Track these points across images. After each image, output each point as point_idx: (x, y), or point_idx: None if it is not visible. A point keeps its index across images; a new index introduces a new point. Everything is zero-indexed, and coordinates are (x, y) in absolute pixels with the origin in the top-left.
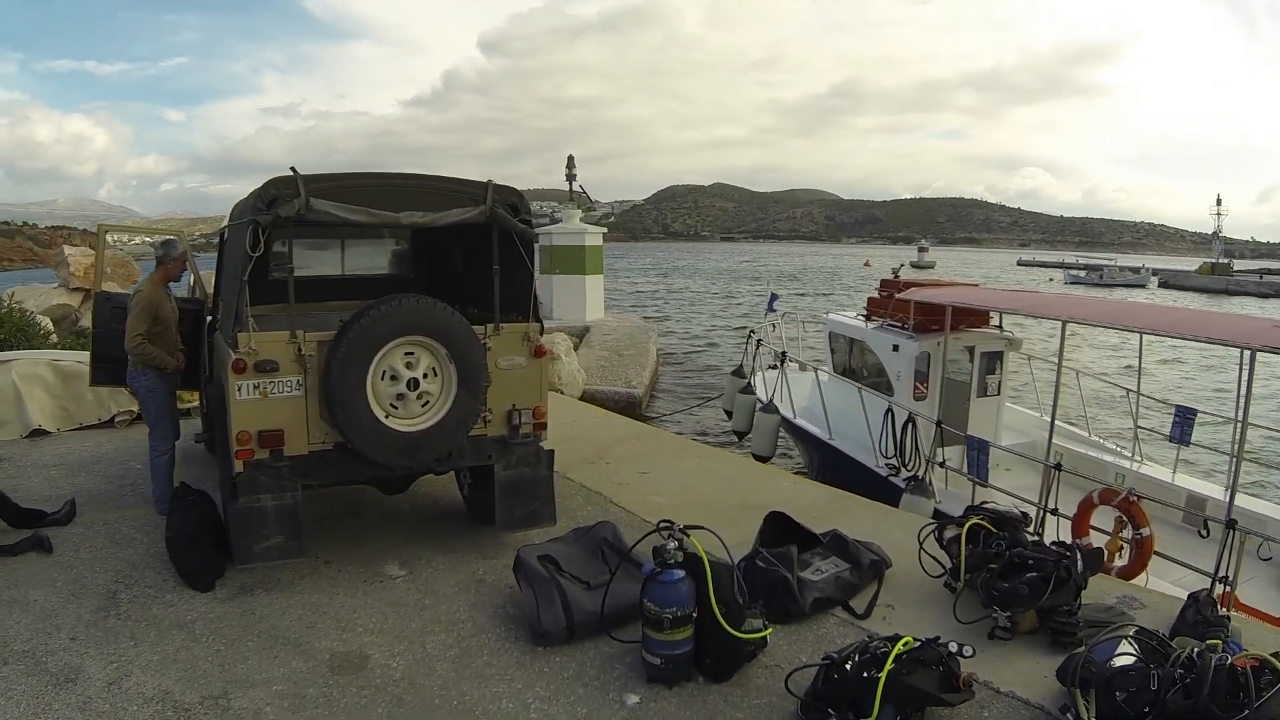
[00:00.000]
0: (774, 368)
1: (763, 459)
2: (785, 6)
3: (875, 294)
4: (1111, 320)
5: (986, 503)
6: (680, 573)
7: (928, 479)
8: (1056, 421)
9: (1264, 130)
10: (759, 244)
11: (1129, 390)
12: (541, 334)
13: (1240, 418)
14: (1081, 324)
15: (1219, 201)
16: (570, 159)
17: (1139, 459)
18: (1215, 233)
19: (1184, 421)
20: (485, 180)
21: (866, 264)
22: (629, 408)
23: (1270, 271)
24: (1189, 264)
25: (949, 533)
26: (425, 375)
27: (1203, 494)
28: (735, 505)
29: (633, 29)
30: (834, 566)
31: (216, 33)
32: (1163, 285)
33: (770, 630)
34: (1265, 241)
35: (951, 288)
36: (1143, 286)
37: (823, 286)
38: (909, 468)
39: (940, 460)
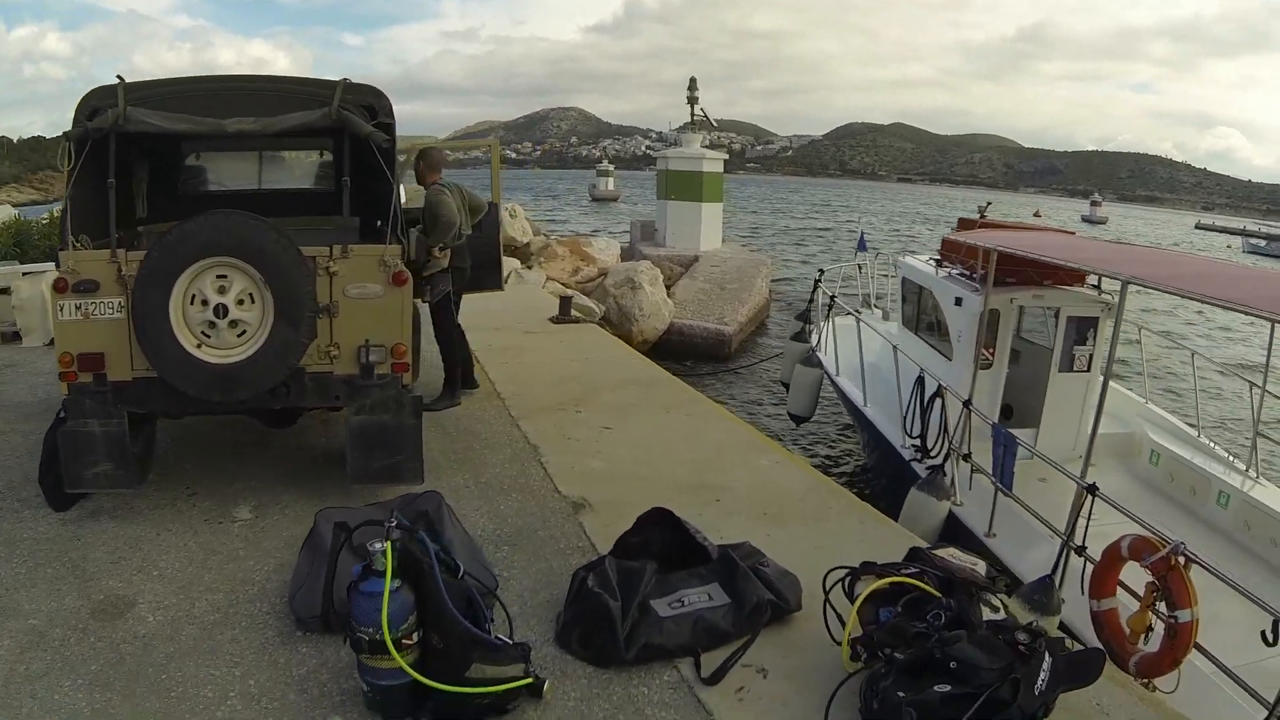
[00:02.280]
0: (853, 315)
1: (799, 419)
2: None
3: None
4: (1181, 284)
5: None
6: (392, 583)
7: (949, 473)
8: (1160, 412)
9: None
10: (935, 187)
11: (1252, 383)
12: (405, 257)
13: None
14: (1143, 286)
15: None
16: (692, 81)
17: (1255, 475)
18: None
19: None
20: (339, 79)
21: (1036, 215)
22: (717, 345)
23: None
24: None
25: (861, 586)
26: (241, 302)
27: None
28: (682, 485)
29: None
30: (704, 600)
31: None
32: None
33: (528, 681)
34: None
35: (1030, 232)
36: None
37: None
38: (934, 454)
39: (965, 451)
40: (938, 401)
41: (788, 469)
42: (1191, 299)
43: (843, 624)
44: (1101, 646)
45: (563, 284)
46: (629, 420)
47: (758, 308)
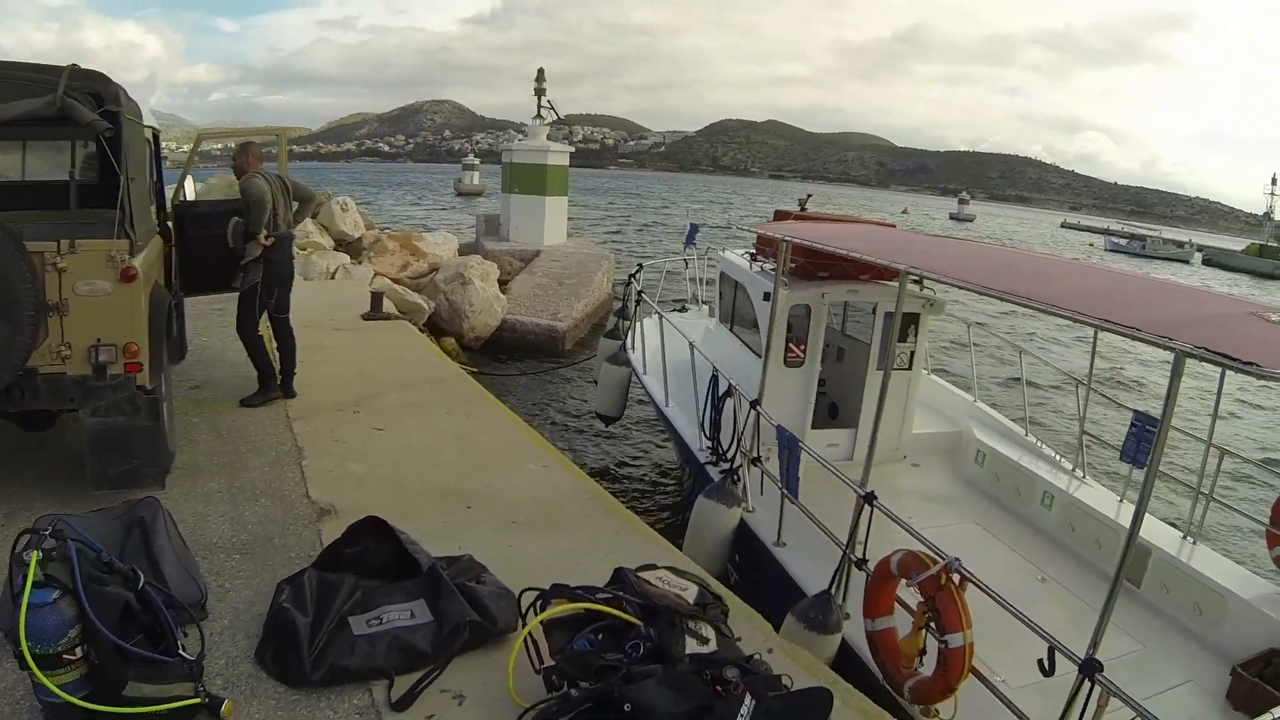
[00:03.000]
0: (679, 312)
1: (607, 419)
2: None
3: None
4: (968, 277)
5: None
6: (50, 594)
7: (742, 478)
8: (987, 409)
9: None
10: (807, 184)
11: (1079, 382)
12: (133, 252)
13: (1157, 435)
14: (923, 276)
15: (1275, 181)
16: (540, 72)
17: (1081, 475)
18: (1266, 214)
19: (1142, 434)
20: (65, 65)
21: (904, 211)
22: (550, 342)
23: None
24: (1239, 244)
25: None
26: None
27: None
28: (437, 490)
29: None
30: (405, 618)
31: None
32: (1206, 262)
33: (197, 700)
34: None
35: (843, 224)
36: (1185, 262)
37: None
38: (729, 458)
39: (755, 455)
40: (729, 402)
41: (555, 474)
42: (973, 290)
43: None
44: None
45: (392, 279)
46: (405, 422)
47: (597, 304)
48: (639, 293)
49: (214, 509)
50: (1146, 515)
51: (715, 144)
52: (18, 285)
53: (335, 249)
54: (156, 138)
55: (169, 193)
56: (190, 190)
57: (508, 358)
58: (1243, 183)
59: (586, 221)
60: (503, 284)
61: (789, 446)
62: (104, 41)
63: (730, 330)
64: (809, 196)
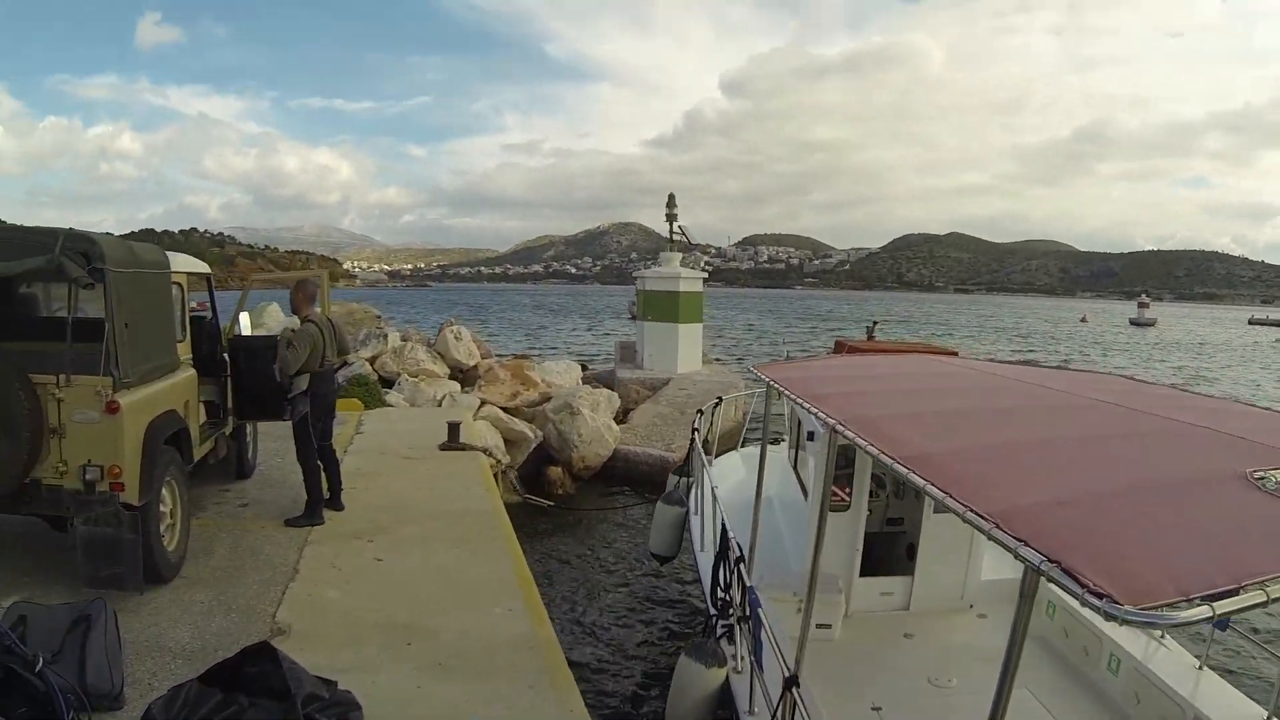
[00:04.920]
0: (773, 444)
1: (661, 558)
2: (1031, 44)
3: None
4: (887, 433)
5: None
6: None
7: (720, 638)
8: None
9: None
10: (991, 295)
11: None
12: (117, 389)
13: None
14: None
15: None
16: (671, 197)
17: (1161, 635)
18: None
19: None
20: (61, 229)
21: (1083, 320)
22: (662, 473)
23: None
24: None
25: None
26: None
27: None
28: (390, 623)
29: (877, 70)
30: None
31: (458, 74)
32: None
33: None
34: None
35: (892, 355)
36: None
37: (1014, 345)
38: (731, 615)
39: (744, 613)
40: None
41: (515, 619)
42: (870, 452)
43: None
44: None
45: (500, 408)
46: (408, 553)
47: (724, 432)
48: (694, 430)
49: (186, 617)
50: (1226, 684)
51: (899, 260)
52: (16, 409)
53: (451, 377)
54: (209, 279)
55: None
56: (246, 325)
57: (620, 488)
58: None
59: (751, 343)
60: (628, 413)
61: (752, 605)
62: (300, 165)
63: (794, 468)
64: (875, 324)
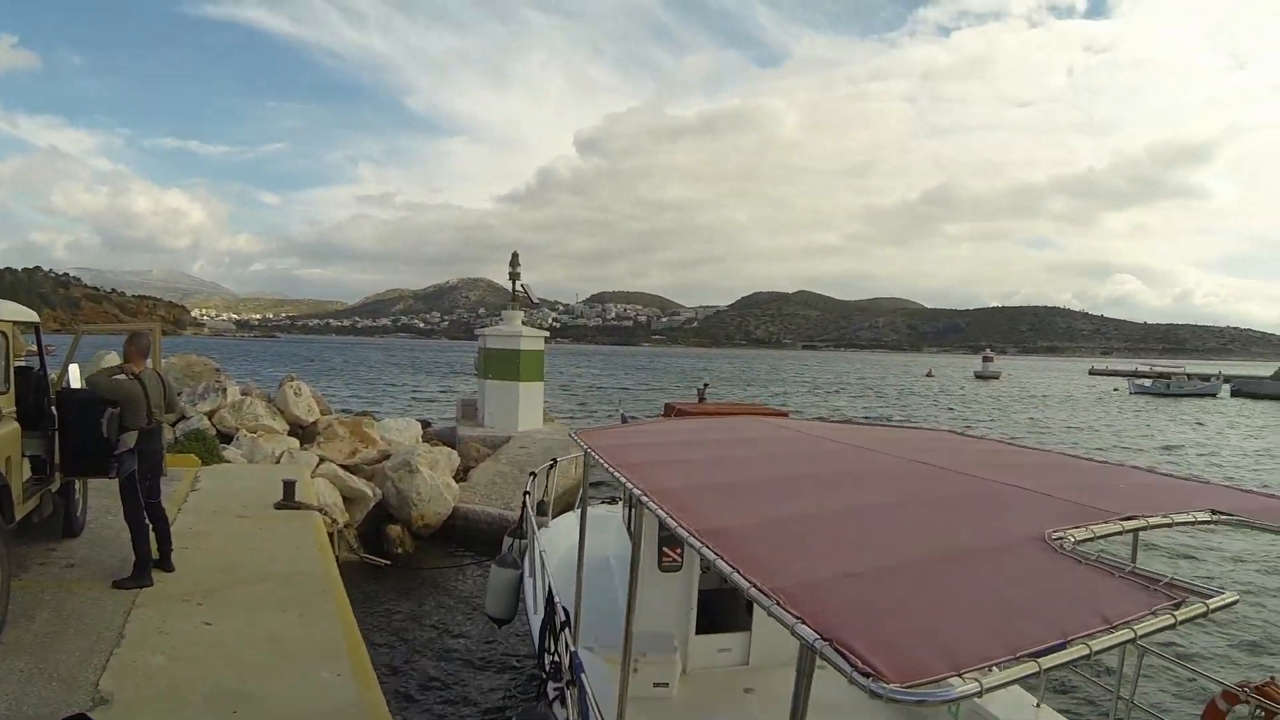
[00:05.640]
0: (609, 503)
1: (498, 621)
2: (884, 110)
3: None
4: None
5: None
6: None
7: (552, 702)
8: None
9: None
10: (839, 352)
11: None
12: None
13: None
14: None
15: None
16: (514, 256)
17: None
18: None
19: None
20: None
21: (929, 374)
22: (502, 532)
23: None
24: (1271, 369)
25: None
26: None
27: None
28: (216, 691)
29: (731, 131)
30: None
31: (317, 122)
32: (1235, 393)
33: None
34: None
35: (720, 418)
36: (1214, 395)
37: (861, 401)
38: (561, 681)
39: (570, 678)
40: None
41: (342, 685)
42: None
43: None
44: None
45: (340, 465)
46: (237, 617)
47: (563, 491)
48: (525, 494)
49: (3, 687)
50: None
51: (747, 317)
52: None
53: (290, 433)
54: (37, 327)
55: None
56: (75, 378)
57: (460, 547)
58: (1276, 307)
59: (594, 402)
60: (468, 470)
61: (577, 673)
62: (151, 206)
63: (628, 528)
64: (706, 385)
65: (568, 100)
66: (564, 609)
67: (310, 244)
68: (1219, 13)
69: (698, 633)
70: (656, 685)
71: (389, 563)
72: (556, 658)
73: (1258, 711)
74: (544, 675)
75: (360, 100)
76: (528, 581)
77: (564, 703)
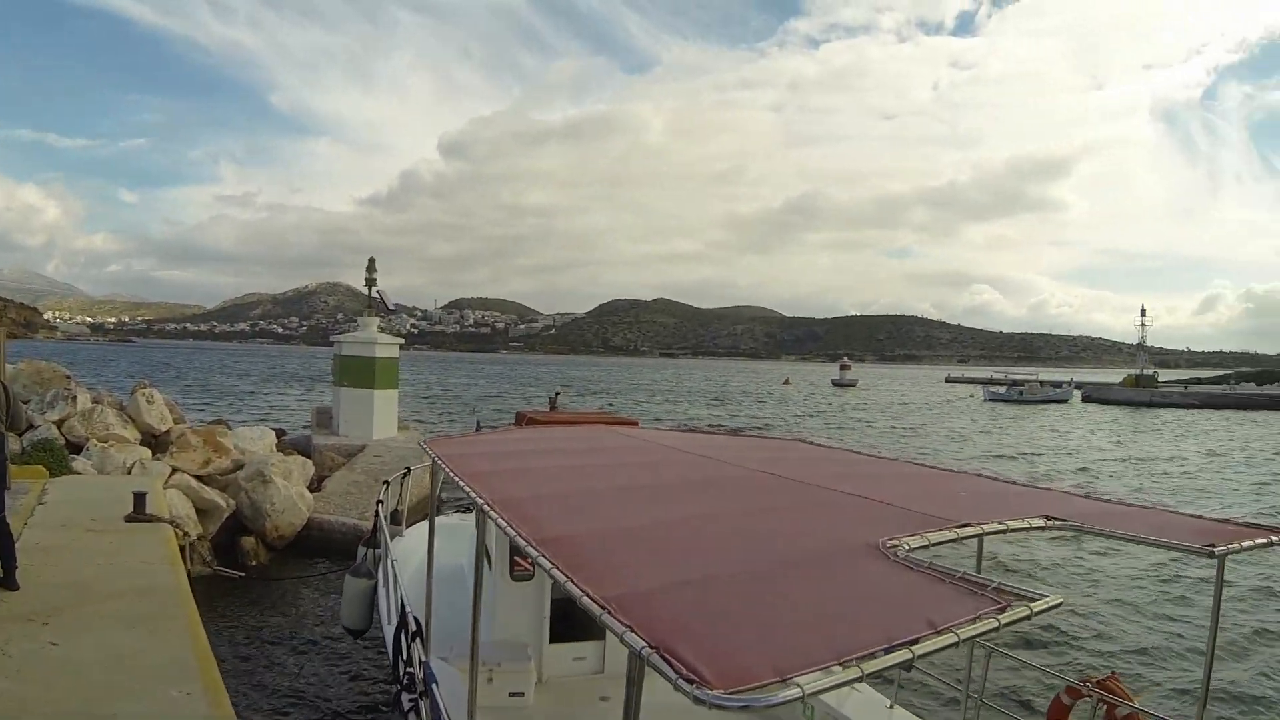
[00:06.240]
0: (465, 512)
1: (354, 632)
2: (751, 119)
3: None
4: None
5: None
6: None
7: (407, 713)
8: None
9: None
10: (697, 359)
11: None
12: None
13: None
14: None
15: (1143, 313)
16: (371, 261)
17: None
18: (1140, 344)
19: None
20: None
21: (786, 382)
22: (356, 542)
23: (1196, 381)
24: (1120, 376)
25: None
26: None
27: None
28: (61, 714)
29: (597, 138)
30: None
31: (179, 117)
32: (1086, 399)
33: None
34: (1200, 351)
35: (571, 426)
36: (1065, 401)
37: (720, 409)
38: (415, 693)
39: (424, 689)
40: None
41: (193, 704)
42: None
43: None
44: None
45: (193, 476)
46: (84, 636)
47: (418, 500)
48: (378, 503)
49: None
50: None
51: (605, 325)
52: None
53: (143, 442)
54: None
55: None
56: None
57: (316, 558)
58: (1125, 316)
59: (451, 409)
60: (323, 480)
61: (428, 683)
62: (4, 202)
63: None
64: (557, 394)
65: (433, 102)
66: (415, 619)
67: (169, 245)
68: (1081, 34)
69: (552, 641)
70: (512, 695)
71: (243, 575)
72: (412, 669)
73: (1099, 705)
74: (399, 687)
75: (224, 96)
76: (382, 591)
77: (419, 714)
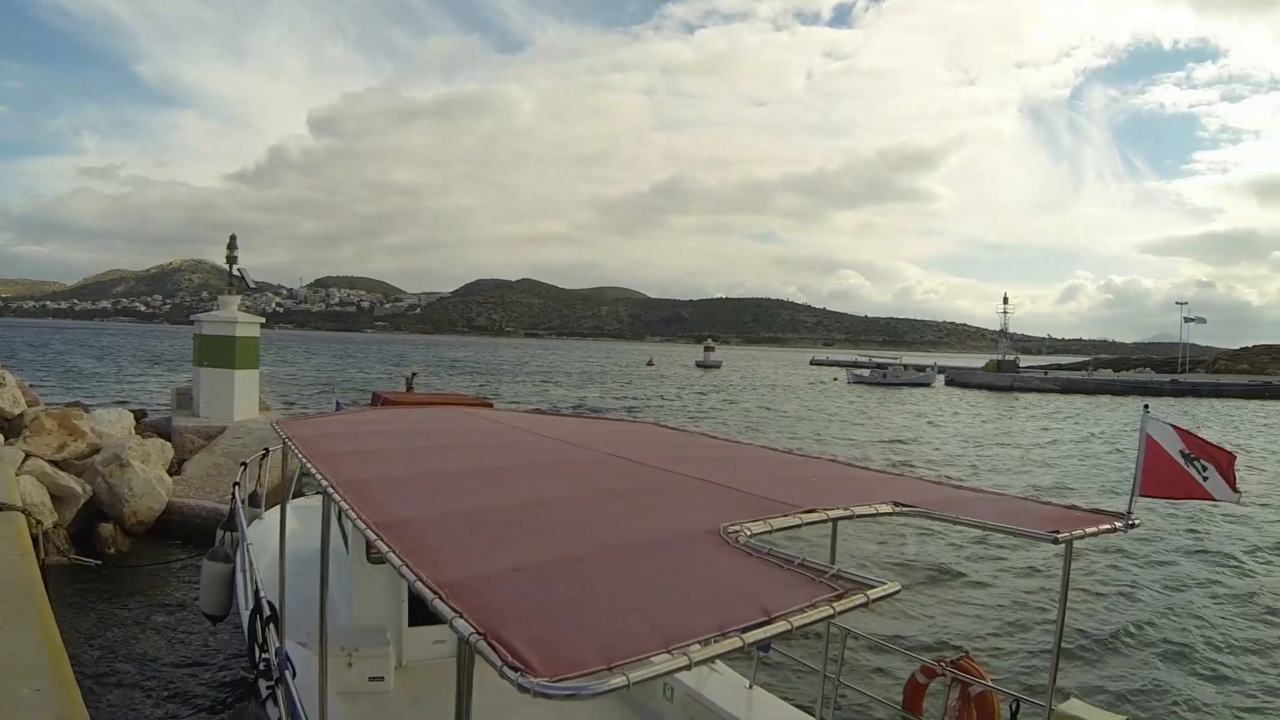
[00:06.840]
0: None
1: (213, 618)
2: (623, 102)
3: None
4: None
5: None
6: None
7: (264, 700)
8: None
9: (1069, 233)
10: (561, 340)
11: None
12: None
13: None
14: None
15: (1005, 300)
16: (232, 239)
17: (715, 660)
18: (1002, 331)
19: None
20: None
21: (650, 363)
22: (217, 525)
23: (1057, 367)
24: (983, 362)
25: None
26: None
27: None
28: None
29: (467, 116)
30: None
31: (41, 84)
32: (950, 383)
33: None
34: (1061, 338)
35: (425, 408)
36: (928, 385)
37: (583, 390)
38: (272, 680)
39: (277, 675)
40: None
41: (44, 701)
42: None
43: None
44: None
45: (48, 461)
46: None
47: (278, 482)
48: (235, 485)
49: None
50: (775, 699)
51: (470, 304)
52: None
53: None
54: None
55: None
56: None
57: (176, 543)
58: (989, 304)
59: (312, 390)
60: (183, 463)
61: (282, 670)
62: None
63: (338, 521)
64: (414, 375)
65: (305, 78)
66: (270, 604)
67: (27, 218)
68: (956, 32)
69: (411, 625)
70: (371, 679)
71: (100, 563)
72: (268, 655)
73: (954, 684)
74: (256, 673)
75: (88, 64)
76: (239, 576)
77: (275, 701)
